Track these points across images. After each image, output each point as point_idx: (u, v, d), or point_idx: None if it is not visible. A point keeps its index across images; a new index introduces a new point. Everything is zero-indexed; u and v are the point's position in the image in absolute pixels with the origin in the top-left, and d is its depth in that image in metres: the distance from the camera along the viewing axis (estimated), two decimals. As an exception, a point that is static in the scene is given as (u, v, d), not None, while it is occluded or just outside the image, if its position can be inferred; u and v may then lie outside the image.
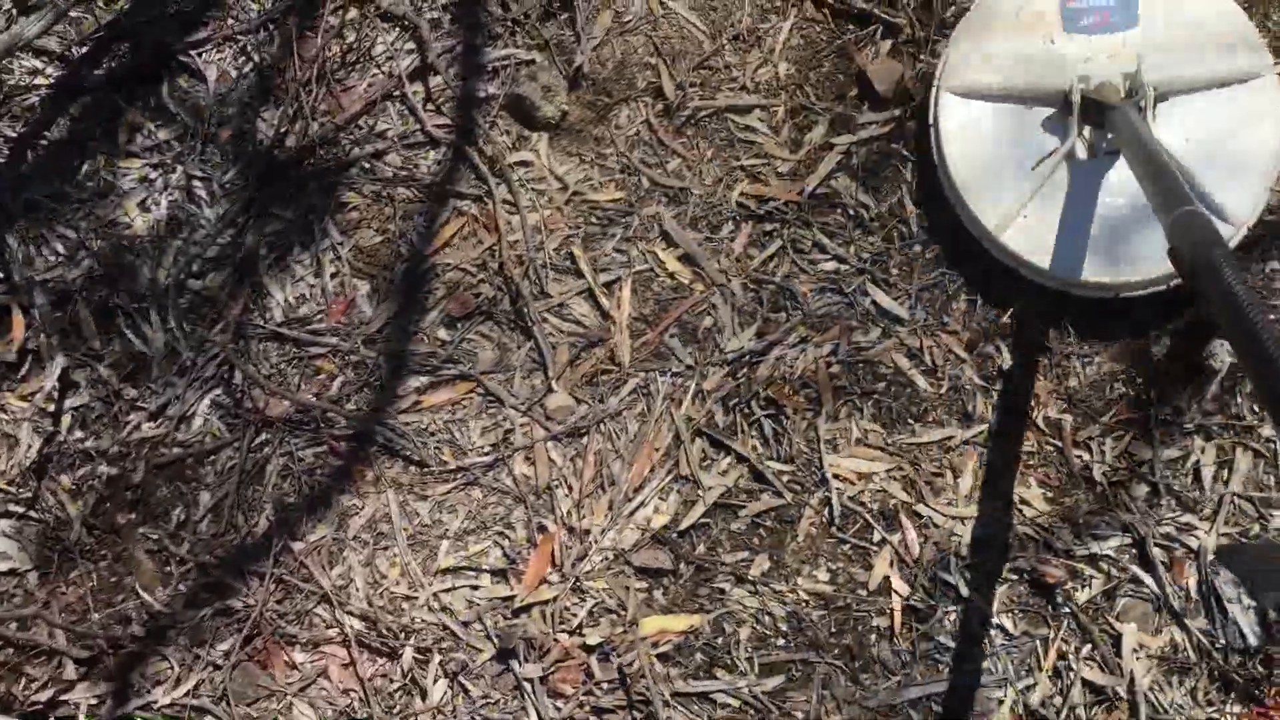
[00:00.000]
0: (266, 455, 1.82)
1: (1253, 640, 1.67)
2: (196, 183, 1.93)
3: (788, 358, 1.82)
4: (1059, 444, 1.77)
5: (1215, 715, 1.65)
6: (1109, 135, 1.74)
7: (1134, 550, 1.72)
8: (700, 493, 1.77)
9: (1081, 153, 1.76)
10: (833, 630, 1.72)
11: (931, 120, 1.84)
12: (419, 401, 1.84)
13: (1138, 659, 1.67)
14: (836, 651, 1.71)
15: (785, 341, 1.82)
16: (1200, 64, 1.79)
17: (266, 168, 1.93)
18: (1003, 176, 1.79)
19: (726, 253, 1.88)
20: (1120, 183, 1.75)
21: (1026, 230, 1.77)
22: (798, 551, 1.75)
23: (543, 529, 1.77)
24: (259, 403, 1.83)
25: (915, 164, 1.89)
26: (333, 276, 1.89)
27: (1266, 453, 1.74)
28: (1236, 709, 1.65)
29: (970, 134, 1.82)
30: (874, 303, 1.85)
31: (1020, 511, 1.74)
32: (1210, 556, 1.69)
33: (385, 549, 1.78)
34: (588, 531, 1.76)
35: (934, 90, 1.84)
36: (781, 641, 1.72)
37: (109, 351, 1.86)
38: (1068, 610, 1.70)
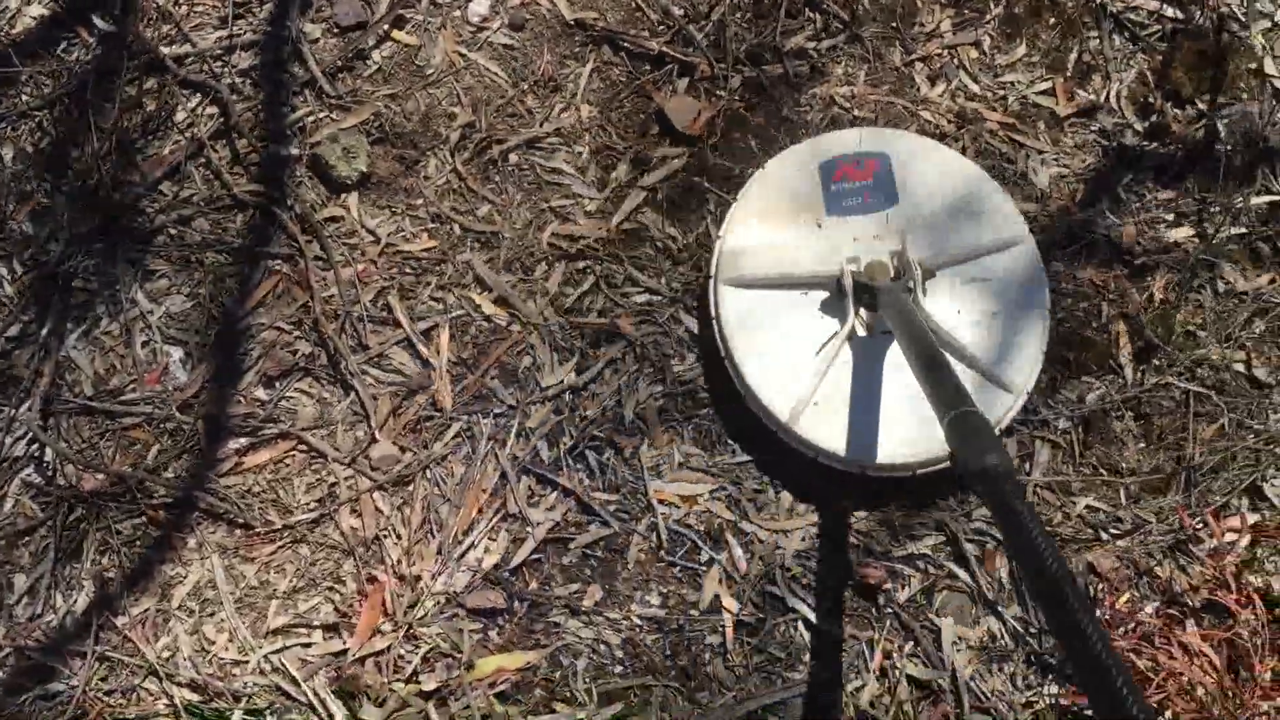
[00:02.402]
0: (83, 531, 1.77)
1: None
2: (-4, 260, 1.90)
3: (605, 393, 1.85)
4: (871, 451, 1.84)
5: (1034, 698, 1.71)
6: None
7: (948, 548, 1.79)
8: (529, 529, 1.79)
9: (862, 332, 1.76)
10: (668, 653, 1.74)
11: (714, 314, 1.81)
12: (240, 463, 1.82)
13: (958, 651, 1.73)
14: (673, 673, 1.73)
15: (603, 377, 1.86)
16: (962, 236, 1.81)
17: (69, 242, 1.90)
18: (789, 365, 1.77)
19: (541, 292, 1.91)
20: (903, 361, 1.65)
21: (818, 417, 1.74)
22: (629, 579, 1.77)
23: (373, 579, 1.76)
24: (73, 479, 1.79)
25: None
26: (144, 345, 1.87)
27: (1064, 444, 1.84)
28: (1054, 689, 1.71)
29: (752, 325, 1.79)
30: (687, 330, 1.90)
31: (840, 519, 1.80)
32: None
33: (212, 615, 1.75)
34: (418, 578, 1.75)
35: (711, 284, 1.83)
36: (619, 669, 1.73)
37: (-91, 439, 1.80)
38: (890, 610, 1.75)
